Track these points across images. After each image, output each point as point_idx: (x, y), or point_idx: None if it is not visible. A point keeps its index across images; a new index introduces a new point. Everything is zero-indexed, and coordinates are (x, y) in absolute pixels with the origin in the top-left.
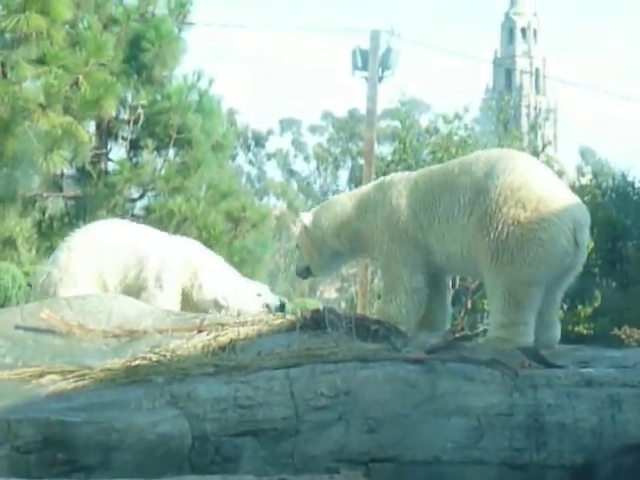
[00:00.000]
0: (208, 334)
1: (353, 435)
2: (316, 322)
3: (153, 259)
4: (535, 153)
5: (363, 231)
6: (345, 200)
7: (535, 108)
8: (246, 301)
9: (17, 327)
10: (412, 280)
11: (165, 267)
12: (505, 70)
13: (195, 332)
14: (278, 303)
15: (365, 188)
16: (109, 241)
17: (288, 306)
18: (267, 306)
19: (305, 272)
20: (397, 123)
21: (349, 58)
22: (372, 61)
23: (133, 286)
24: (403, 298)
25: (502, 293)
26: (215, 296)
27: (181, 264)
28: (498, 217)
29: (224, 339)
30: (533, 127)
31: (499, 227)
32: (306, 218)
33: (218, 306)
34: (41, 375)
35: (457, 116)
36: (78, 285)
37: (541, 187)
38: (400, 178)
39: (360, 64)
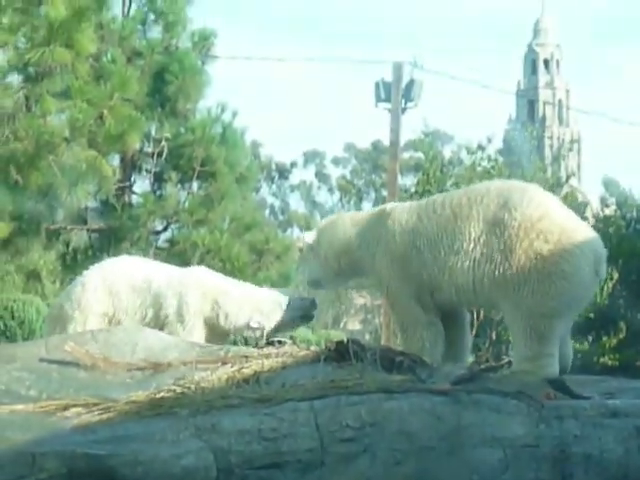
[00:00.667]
0: (232, 366)
1: (379, 467)
2: (340, 354)
3: (170, 295)
4: (559, 184)
5: (364, 262)
6: (347, 224)
7: (558, 139)
8: (273, 311)
9: (42, 360)
10: (426, 314)
11: (183, 301)
12: (528, 101)
13: (219, 364)
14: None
15: (366, 216)
16: (123, 281)
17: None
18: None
19: (312, 283)
20: (420, 154)
21: (372, 90)
22: (395, 93)
23: (153, 325)
24: (422, 331)
25: (524, 326)
26: (245, 320)
27: (199, 295)
28: (519, 250)
29: (248, 371)
30: (556, 158)
31: (520, 260)
32: (309, 237)
33: (252, 329)
34: (66, 408)
35: (480, 147)
36: (88, 323)
37: (561, 219)
38: (401, 210)
39: (383, 96)
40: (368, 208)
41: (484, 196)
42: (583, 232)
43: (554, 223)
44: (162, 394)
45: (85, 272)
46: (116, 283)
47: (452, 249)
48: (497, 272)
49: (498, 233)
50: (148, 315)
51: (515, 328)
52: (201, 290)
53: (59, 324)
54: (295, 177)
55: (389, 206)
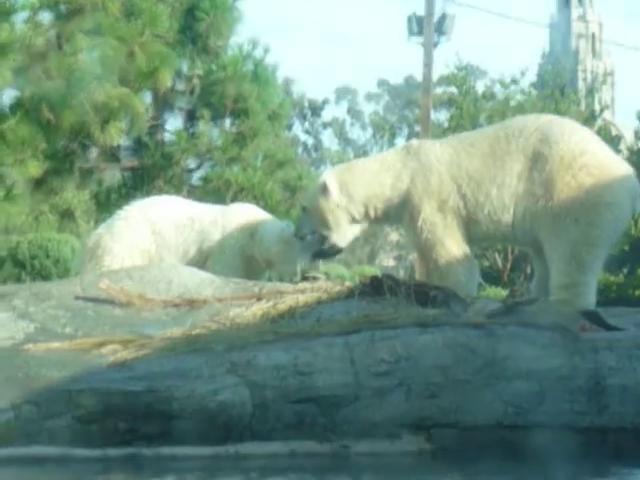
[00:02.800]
0: (267, 302)
1: (414, 401)
2: (375, 289)
3: (214, 231)
4: (593, 117)
5: (399, 201)
6: (374, 167)
7: (592, 72)
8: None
9: (77, 298)
10: (461, 247)
11: (226, 232)
12: (561, 34)
13: (254, 300)
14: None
15: (392, 155)
16: (166, 218)
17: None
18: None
19: (334, 250)
20: (453, 89)
21: (405, 24)
22: (427, 27)
23: (197, 261)
24: (457, 265)
25: (563, 255)
26: (278, 240)
27: (239, 227)
28: (560, 183)
29: (283, 307)
30: (590, 91)
31: (563, 192)
32: (331, 182)
33: (283, 250)
34: (101, 345)
35: (514, 81)
36: (125, 257)
37: (601, 154)
38: (432, 145)
39: (416, 30)
40: (401, 144)
41: (522, 130)
42: (621, 167)
43: (595, 157)
44: (197, 330)
45: (126, 207)
46: (159, 220)
47: (493, 183)
48: (539, 204)
49: (539, 167)
50: (191, 251)
51: (555, 256)
52: (245, 226)
53: (95, 256)
54: (327, 114)
55: (415, 143)
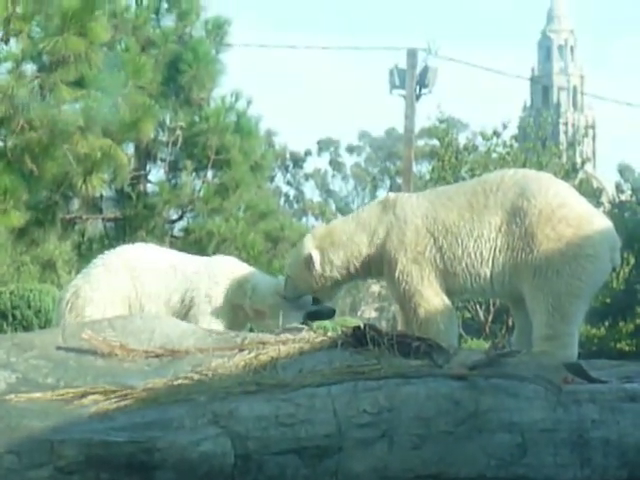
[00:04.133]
0: (249, 352)
1: (397, 452)
2: (357, 339)
3: (197, 279)
4: (574, 170)
5: (376, 257)
6: (351, 228)
7: (573, 125)
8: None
9: (59, 348)
10: (440, 297)
11: (211, 283)
12: (542, 87)
13: (236, 351)
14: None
15: (368, 211)
16: (147, 265)
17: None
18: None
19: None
20: (435, 141)
21: (386, 77)
22: (409, 79)
23: (179, 310)
24: (437, 315)
25: (546, 307)
26: (273, 293)
27: (226, 277)
28: (540, 235)
29: (265, 357)
30: (572, 144)
31: (542, 244)
32: (316, 256)
33: (277, 304)
34: (83, 395)
35: (495, 133)
36: (107, 308)
37: (579, 207)
38: (407, 199)
39: (398, 82)
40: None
41: (500, 184)
42: (600, 220)
43: (573, 210)
44: (180, 381)
45: (104, 255)
46: (138, 266)
47: (470, 236)
48: (519, 258)
49: (518, 221)
50: (173, 300)
51: (538, 309)
52: (228, 273)
53: (75, 307)
54: (310, 165)
55: (391, 196)
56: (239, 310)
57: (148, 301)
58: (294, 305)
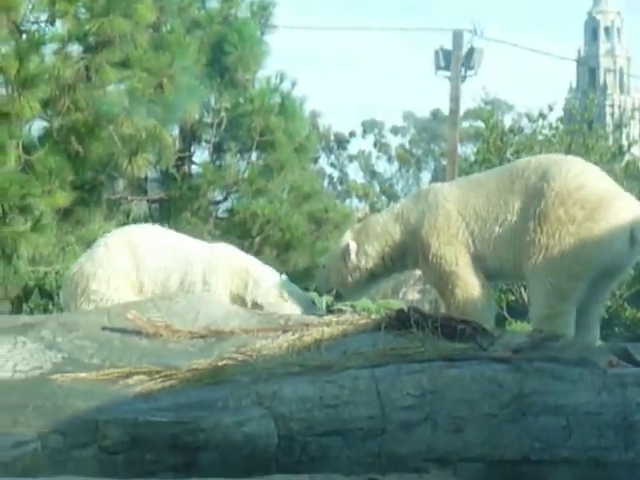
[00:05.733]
0: (293, 334)
1: (440, 435)
2: (401, 322)
3: (198, 262)
4: (620, 152)
5: (411, 244)
6: (384, 219)
7: (619, 107)
8: (299, 296)
9: (104, 328)
10: (475, 276)
11: (211, 269)
12: (589, 69)
13: (280, 332)
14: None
15: (402, 203)
16: (148, 244)
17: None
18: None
19: (330, 293)
20: (480, 123)
21: (432, 58)
22: (455, 61)
23: (177, 290)
24: (474, 296)
25: (545, 287)
26: (276, 289)
27: (227, 266)
28: (552, 217)
29: (309, 339)
30: (618, 126)
31: (553, 225)
32: (353, 246)
33: (280, 298)
34: (128, 376)
35: (541, 115)
36: (110, 281)
37: (600, 188)
38: (440, 187)
39: (443, 64)
40: (427, 177)
41: (525, 169)
42: (621, 203)
43: (592, 192)
44: (224, 362)
45: (107, 234)
46: (140, 245)
47: (496, 220)
48: (529, 237)
49: (536, 203)
50: (171, 280)
51: (537, 287)
52: (229, 261)
53: (81, 283)
54: (354, 147)
55: (425, 187)
56: (237, 300)
57: (147, 279)
58: (293, 304)
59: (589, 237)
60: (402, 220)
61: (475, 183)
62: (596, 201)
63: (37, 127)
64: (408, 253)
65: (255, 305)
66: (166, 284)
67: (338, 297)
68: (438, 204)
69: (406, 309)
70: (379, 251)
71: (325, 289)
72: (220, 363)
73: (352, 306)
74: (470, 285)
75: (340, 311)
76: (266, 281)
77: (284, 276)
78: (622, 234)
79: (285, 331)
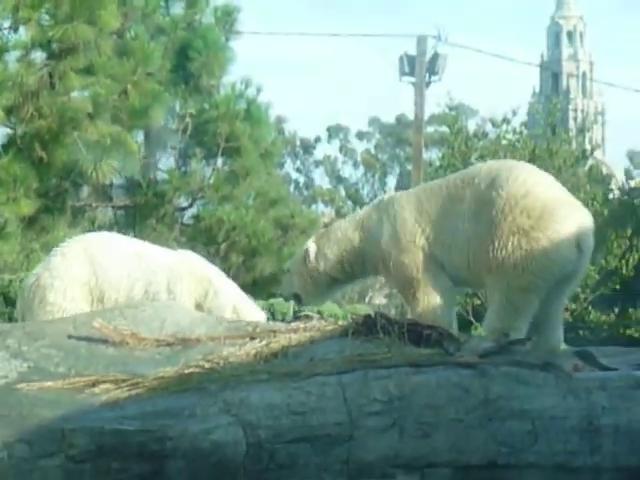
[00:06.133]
0: (260, 341)
1: (407, 440)
2: (368, 328)
3: (162, 271)
4: (584, 156)
5: (370, 252)
6: (345, 226)
7: (582, 111)
8: (255, 310)
9: (70, 337)
10: (436, 280)
11: (176, 277)
12: (552, 74)
13: (247, 339)
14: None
15: (364, 211)
16: (108, 252)
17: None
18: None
19: (293, 298)
20: (445, 128)
21: (396, 64)
22: (419, 66)
23: (141, 299)
24: (434, 302)
25: (500, 299)
26: (235, 301)
27: (191, 274)
28: (503, 227)
29: (276, 346)
30: (581, 130)
31: (504, 236)
32: (312, 248)
33: (236, 312)
34: (94, 384)
35: (505, 120)
36: (67, 292)
37: (545, 195)
38: (399, 195)
39: (407, 70)
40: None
41: (476, 177)
42: (566, 207)
43: (537, 199)
44: (191, 369)
45: (63, 244)
46: (99, 254)
47: (449, 229)
48: (483, 248)
49: (486, 211)
50: (135, 289)
51: (492, 301)
52: (193, 270)
53: (38, 294)
54: (319, 152)
55: (386, 196)
56: (198, 308)
57: (109, 289)
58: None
59: (537, 248)
60: (362, 227)
61: (429, 192)
62: (540, 209)
63: (0, 134)
64: (367, 260)
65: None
66: (130, 293)
67: (301, 301)
68: (396, 213)
69: (373, 315)
70: (338, 255)
71: (289, 293)
72: (187, 371)
73: (319, 312)
74: (430, 291)
75: (307, 317)
76: (226, 294)
77: (242, 294)
78: (569, 243)
79: (252, 338)
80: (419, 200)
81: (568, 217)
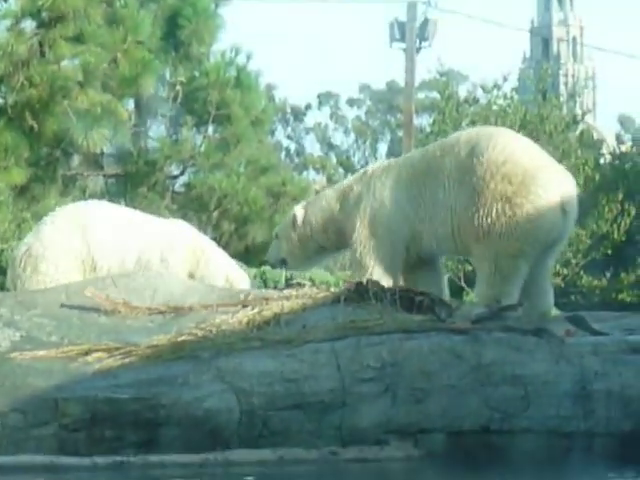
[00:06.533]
0: (252, 309)
1: (400, 406)
2: (360, 294)
3: (155, 240)
4: (574, 122)
5: (345, 225)
6: (330, 195)
7: (573, 76)
8: (246, 279)
9: (62, 306)
10: (387, 275)
11: (169, 247)
12: (542, 39)
13: (240, 307)
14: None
15: (348, 181)
16: (100, 222)
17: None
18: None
19: (280, 263)
20: (435, 94)
21: (387, 30)
22: (409, 32)
23: (133, 269)
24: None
25: (489, 266)
26: (226, 270)
27: (183, 243)
28: (486, 194)
29: (269, 313)
30: (572, 95)
31: (487, 204)
32: (299, 213)
33: (228, 281)
34: (87, 353)
35: (496, 85)
36: (59, 262)
37: (525, 160)
38: (382, 169)
39: (398, 36)
40: (383, 149)
41: (454, 145)
42: (548, 172)
43: (517, 165)
44: (183, 337)
45: (53, 212)
46: (90, 223)
47: (430, 199)
48: (468, 217)
49: (467, 179)
50: (128, 258)
51: (481, 268)
52: (186, 239)
53: (29, 264)
54: (310, 119)
55: (370, 168)
56: (190, 277)
57: (101, 258)
58: (238, 282)
59: (521, 214)
60: (342, 198)
61: (409, 164)
62: (522, 175)
63: None
64: (346, 230)
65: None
66: (122, 262)
67: (287, 266)
68: (376, 190)
69: (365, 282)
70: (321, 224)
71: (276, 258)
72: (180, 339)
73: (311, 280)
74: (385, 280)
75: (299, 285)
76: (218, 263)
77: (234, 263)
78: (553, 206)
79: (245, 306)
80: (399, 174)
81: (550, 181)
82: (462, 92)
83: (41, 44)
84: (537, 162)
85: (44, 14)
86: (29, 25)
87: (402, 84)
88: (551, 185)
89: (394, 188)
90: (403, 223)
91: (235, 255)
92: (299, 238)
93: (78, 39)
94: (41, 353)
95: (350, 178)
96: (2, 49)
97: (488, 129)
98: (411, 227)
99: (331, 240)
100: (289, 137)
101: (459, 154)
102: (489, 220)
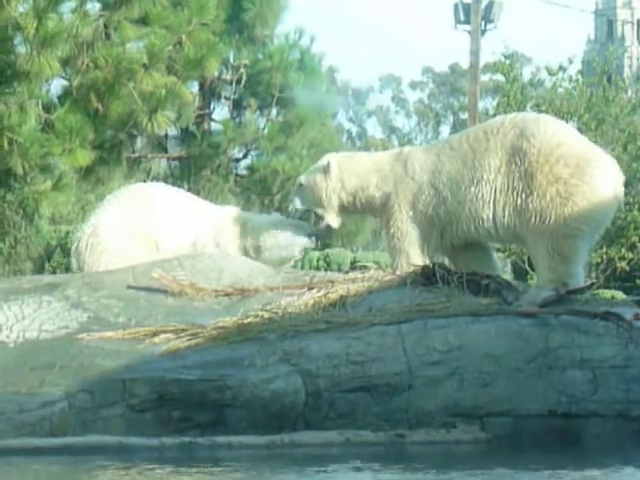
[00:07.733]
0: (318, 291)
1: (467, 390)
2: (427, 277)
3: (209, 225)
4: None
5: (379, 201)
6: (368, 163)
7: (637, 59)
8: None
9: (129, 287)
10: (420, 256)
11: (219, 230)
12: (607, 21)
13: (305, 289)
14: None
15: (385, 156)
16: (162, 205)
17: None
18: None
19: (326, 230)
20: (498, 77)
21: (451, 12)
22: (475, 14)
23: (188, 251)
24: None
25: (547, 250)
26: (267, 227)
27: (232, 225)
28: (539, 176)
29: (334, 296)
30: (637, 78)
31: (542, 185)
32: (334, 165)
33: (271, 236)
34: (155, 334)
35: (561, 68)
36: (125, 242)
37: (578, 145)
38: (419, 151)
39: (462, 17)
40: (446, 132)
41: (499, 128)
42: (599, 157)
43: (572, 148)
44: (250, 319)
45: (117, 193)
46: (154, 206)
47: (472, 181)
48: (519, 200)
49: (518, 161)
50: (184, 241)
51: (539, 253)
52: (235, 223)
53: (94, 246)
54: (372, 102)
55: (406, 149)
56: (247, 254)
57: (163, 240)
58: (289, 236)
59: (577, 195)
60: (380, 175)
61: (448, 147)
62: (576, 157)
63: (57, 86)
64: (376, 206)
65: (255, 250)
66: (181, 246)
67: (313, 223)
68: (414, 174)
69: (431, 265)
70: (353, 189)
71: (298, 207)
72: (246, 321)
73: (376, 262)
74: (408, 263)
75: (364, 267)
76: (258, 223)
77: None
78: (607, 189)
79: (310, 288)
80: (438, 158)
81: (603, 164)
82: (525, 75)
83: (106, 26)
84: (587, 146)
85: None
86: (94, 7)
87: (465, 67)
88: (604, 167)
89: (432, 171)
90: (439, 208)
91: None
92: (328, 191)
93: (143, 21)
94: (109, 334)
95: (385, 154)
96: (67, 31)
97: (532, 114)
98: (447, 210)
99: (355, 205)
100: (351, 120)
101: (506, 136)
102: (542, 203)
